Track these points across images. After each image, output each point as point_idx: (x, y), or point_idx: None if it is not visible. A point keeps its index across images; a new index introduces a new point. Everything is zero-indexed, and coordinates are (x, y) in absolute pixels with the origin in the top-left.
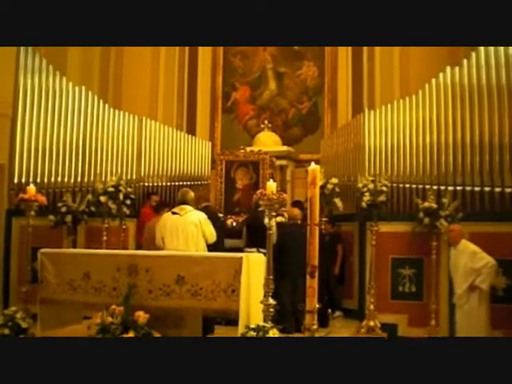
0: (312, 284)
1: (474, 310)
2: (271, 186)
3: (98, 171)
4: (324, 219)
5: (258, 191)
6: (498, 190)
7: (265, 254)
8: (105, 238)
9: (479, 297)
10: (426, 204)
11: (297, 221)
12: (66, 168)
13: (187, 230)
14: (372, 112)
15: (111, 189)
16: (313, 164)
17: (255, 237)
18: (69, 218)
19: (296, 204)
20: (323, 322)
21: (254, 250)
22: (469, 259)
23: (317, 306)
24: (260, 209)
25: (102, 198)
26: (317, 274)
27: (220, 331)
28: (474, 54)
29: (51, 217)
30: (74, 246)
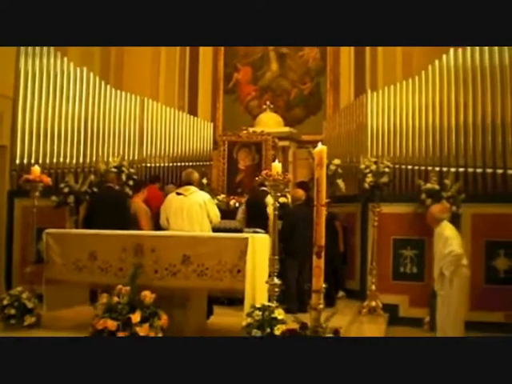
0: (318, 264)
1: (448, 297)
2: (276, 166)
3: (100, 152)
4: (327, 200)
5: (264, 172)
6: (500, 171)
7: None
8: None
9: (450, 283)
10: (429, 185)
11: (301, 202)
12: (68, 149)
13: (192, 211)
14: (375, 93)
15: (114, 169)
16: (320, 145)
17: (256, 217)
18: (71, 199)
19: (301, 185)
20: (330, 301)
21: (251, 230)
22: (442, 244)
23: (323, 285)
24: (262, 189)
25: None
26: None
27: (220, 311)
28: None
29: (54, 197)
30: (77, 227)
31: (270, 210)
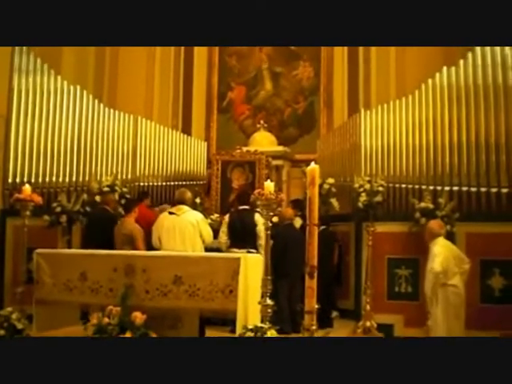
0: (311, 284)
1: (434, 316)
2: (269, 185)
3: (93, 171)
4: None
5: (256, 191)
6: (494, 190)
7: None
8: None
9: (436, 302)
10: (423, 204)
11: (290, 221)
12: (61, 168)
13: (184, 230)
14: (368, 112)
15: (107, 188)
16: (312, 164)
17: (243, 237)
18: (64, 218)
19: (295, 203)
20: (327, 322)
21: (245, 250)
22: (429, 260)
23: (316, 306)
24: (244, 208)
25: (98, 198)
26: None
27: (212, 333)
28: (470, 54)
29: (46, 217)
30: (69, 247)
31: (260, 228)
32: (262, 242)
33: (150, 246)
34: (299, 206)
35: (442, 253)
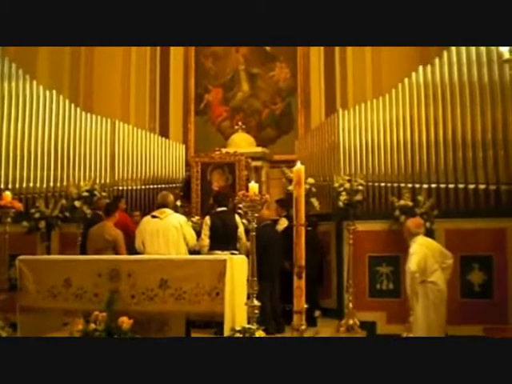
0: (299, 284)
1: (415, 314)
2: (253, 187)
3: (71, 176)
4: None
5: (240, 192)
6: (471, 186)
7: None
8: (79, 243)
9: (416, 300)
10: (402, 202)
11: (268, 221)
12: (38, 173)
13: (168, 234)
14: (346, 112)
15: (86, 193)
16: (298, 164)
17: (225, 239)
18: (42, 224)
19: (281, 202)
20: (311, 322)
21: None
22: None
23: (305, 306)
24: (222, 209)
25: (77, 203)
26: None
27: (198, 335)
28: (445, 53)
29: (25, 223)
30: (49, 253)
31: (241, 230)
32: (241, 243)
33: (130, 250)
34: (285, 205)
35: (418, 252)
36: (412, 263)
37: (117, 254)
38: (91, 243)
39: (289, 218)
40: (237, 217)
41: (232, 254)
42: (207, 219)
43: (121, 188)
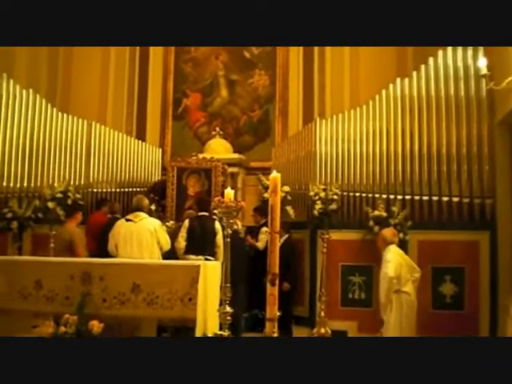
0: (272, 291)
1: (387, 322)
2: (229, 193)
3: (46, 176)
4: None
5: (216, 198)
6: (445, 199)
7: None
8: (52, 245)
9: (390, 309)
10: (376, 212)
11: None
12: (12, 173)
13: (141, 237)
14: (323, 121)
15: (59, 195)
16: (274, 172)
17: (202, 244)
18: (14, 225)
19: (259, 210)
20: (287, 330)
21: (194, 257)
22: (383, 267)
23: (277, 313)
24: (202, 214)
25: (50, 204)
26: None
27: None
28: (423, 66)
29: None
30: (20, 254)
31: (219, 237)
32: (218, 250)
33: (106, 254)
34: (264, 213)
35: (394, 259)
36: (390, 269)
37: (75, 255)
38: (55, 245)
39: (266, 224)
40: (217, 223)
41: (206, 259)
42: (186, 222)
43: (95, 190)
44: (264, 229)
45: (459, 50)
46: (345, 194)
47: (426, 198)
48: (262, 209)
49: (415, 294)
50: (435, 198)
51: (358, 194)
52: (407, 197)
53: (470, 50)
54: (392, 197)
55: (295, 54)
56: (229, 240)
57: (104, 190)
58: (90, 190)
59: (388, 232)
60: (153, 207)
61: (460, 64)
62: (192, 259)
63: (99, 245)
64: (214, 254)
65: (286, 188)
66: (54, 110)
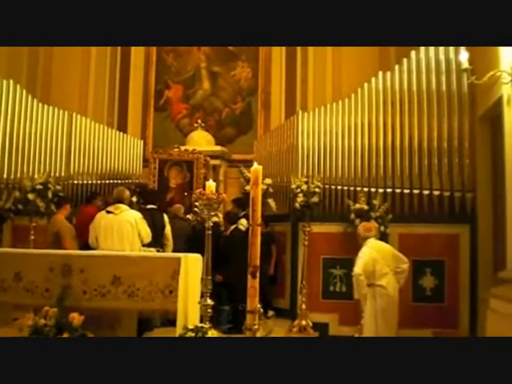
0: (253, 284)
1: (364, 317)
2: (210, 185)
3: (26, 168)
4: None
5: (197, 190)
6: (426, 192)
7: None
8: (32, 237)
9: (364, 303)
10: (358, 205)
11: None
12: None
13: (122, 230)
14: (306, 114)
15: (40, 186)
16: (255, 164)
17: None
18: None
19: (237, 201)
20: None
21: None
22: None
23: (258, 306)
24: (151, 207)
25: (30, 196)
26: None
27: (155, 332)
28: (405, 60)
29: None
30: (0, 245)
31: (168, 229)
32: (168, 242)
33: (87, 247)
34: (242, 204)
35: (365, 255)
36: (357, 266)
37: (63, 247)
38: (46, 238)
39: (247, 217)
40: (165, 216)
41: (158, 251)
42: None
43: (76, 182)
44: (242, 221)
45: None
46: (326, 186)
47: (406, 191)
48: (240, 200)
49: (396, 285)
50: (416, 192)
51: (339, 187)
52: (388, 190)
53: None
54: (373, 190)
55: (278, 47)
56: (210, 232)
57: (85, 182)
58: (70, 181)
59: (361, 228)
60: (134, 199)
61: (442, 58)
62: (146, 251)
63: None
64: (163, 246)
65: (268, 180)
66: (35, 100)
